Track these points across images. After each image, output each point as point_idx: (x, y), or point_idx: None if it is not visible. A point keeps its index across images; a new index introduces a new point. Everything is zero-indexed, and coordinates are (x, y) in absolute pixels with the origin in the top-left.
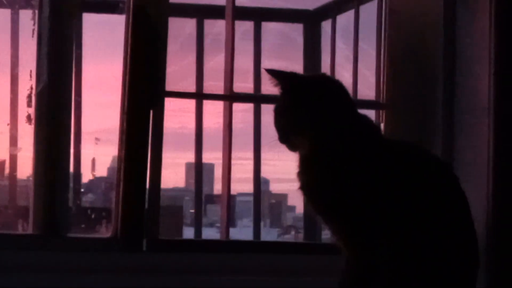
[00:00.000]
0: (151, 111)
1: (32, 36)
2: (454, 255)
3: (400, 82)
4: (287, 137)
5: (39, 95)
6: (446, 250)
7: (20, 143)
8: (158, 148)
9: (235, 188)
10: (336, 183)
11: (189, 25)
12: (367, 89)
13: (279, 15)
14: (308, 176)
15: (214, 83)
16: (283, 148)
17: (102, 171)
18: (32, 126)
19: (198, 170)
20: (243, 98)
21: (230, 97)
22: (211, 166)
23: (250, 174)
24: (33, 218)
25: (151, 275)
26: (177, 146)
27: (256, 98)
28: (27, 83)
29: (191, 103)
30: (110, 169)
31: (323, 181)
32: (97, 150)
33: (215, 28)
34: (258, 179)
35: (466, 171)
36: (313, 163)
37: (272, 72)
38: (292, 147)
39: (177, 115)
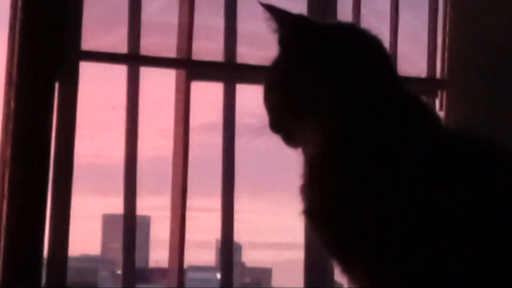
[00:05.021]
0: (57, 84)
1: None
2: None
3: (466, 53)
4: (284, 122)
5: None
6: None
7: None
8: (69, 148)
9: (186, 258)
10: (368, 203)
11: None
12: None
13: None
14: (318, 193)
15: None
16: (263, 191)
17: None
18: None
19: (129, 226)
20: (205, 66)
21: (186, 63)
22: (146, 220)
23: (209, 235)
24: None
25: None
26: (89, 186)
27: (228, 66)
28: None
29: (113, 115)
30: None
31: (346, 200)
32: None
33: None
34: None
35: None
36: (329, 169)
37: (271, 10)
38: (291, 139)
39: (91, 137)
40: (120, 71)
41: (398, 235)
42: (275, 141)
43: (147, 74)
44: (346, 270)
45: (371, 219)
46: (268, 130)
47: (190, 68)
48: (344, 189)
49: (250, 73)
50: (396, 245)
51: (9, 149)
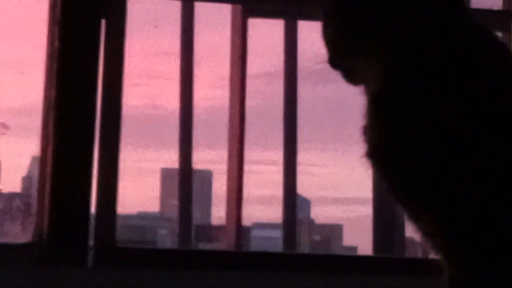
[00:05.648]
0: (104, 21)
1: None
2: None
3: None
4: (342, 58)
5: None
6: None
7: None
8: (116, 94)
9: (250, 215)
10: (430, 141)
11: None
12: None
13: None
14: (379, 133)
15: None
16: (328, 142)
17: (13, 183)
18: None
19: (186, 181)
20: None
21: None
22: (207, 175)
23: (275, 190)
24: None
25: None
26: (144, 139)
27: (288, 0)
28: None
29: (169, 64)
30: (26, 180)
31: (406, 139)
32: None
33: None
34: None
35: None
36: (393, 107)
37: None
38: (350, 76)
39: (141, 85)
40: (173, 8)
41: (463, 173)
42: (342, 87)
43: (201, 12)
44: (412, 215)
45: (435, 158)
46: (331, 71)
47: (246, 3)
48: (404, 128)
49: (313, 8)
50: (462, 182)
51: (53, 91)
